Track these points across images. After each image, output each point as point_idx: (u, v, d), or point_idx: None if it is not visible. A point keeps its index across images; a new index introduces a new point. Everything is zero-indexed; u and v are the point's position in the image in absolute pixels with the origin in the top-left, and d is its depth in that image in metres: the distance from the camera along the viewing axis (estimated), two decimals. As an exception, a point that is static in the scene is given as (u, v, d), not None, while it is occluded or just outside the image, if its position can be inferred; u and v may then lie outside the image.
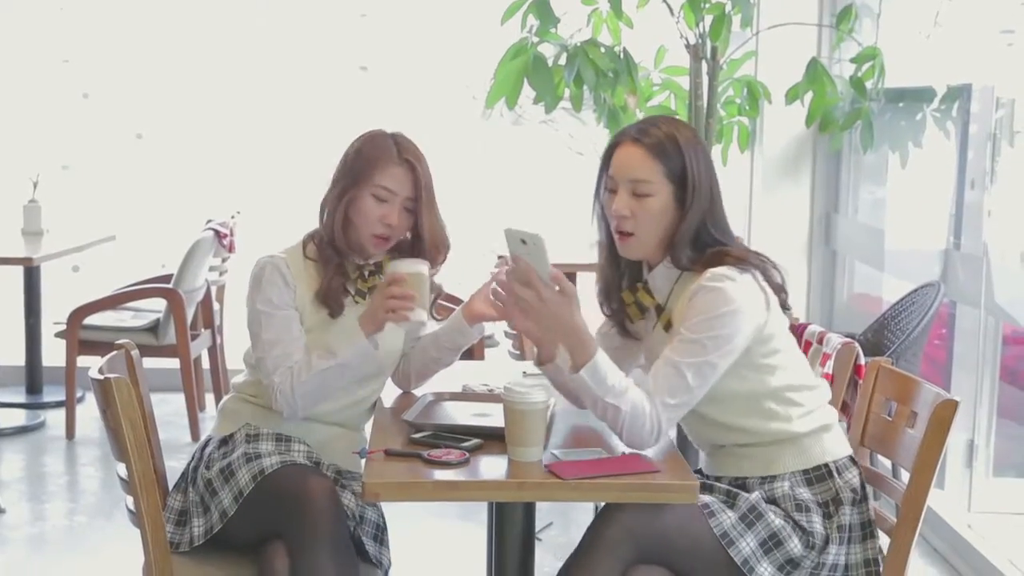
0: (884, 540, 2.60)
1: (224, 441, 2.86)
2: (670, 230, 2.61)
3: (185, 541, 2.76)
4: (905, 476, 2.59)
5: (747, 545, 2.50)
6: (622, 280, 2.75)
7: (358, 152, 2.85)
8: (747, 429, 2.63)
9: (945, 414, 2.49)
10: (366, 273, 2.87)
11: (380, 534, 2.81)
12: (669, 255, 2.63)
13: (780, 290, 2.63)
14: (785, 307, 2.65)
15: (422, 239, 2.85)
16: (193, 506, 2.79)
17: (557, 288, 2.45)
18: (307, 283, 2.83)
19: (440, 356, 2.96)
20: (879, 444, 2.77)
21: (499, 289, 2.55)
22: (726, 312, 2.49)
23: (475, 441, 2.51)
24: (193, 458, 2.89)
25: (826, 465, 2.62)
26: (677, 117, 2.73)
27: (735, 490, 2.60)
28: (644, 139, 2.60)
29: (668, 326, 2.64)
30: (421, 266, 2.70)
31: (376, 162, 2.80)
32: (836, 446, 2.66)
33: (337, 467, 2.88)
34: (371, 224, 2.80)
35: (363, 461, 2.52)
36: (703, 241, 2.61)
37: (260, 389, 2.86)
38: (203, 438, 2.95)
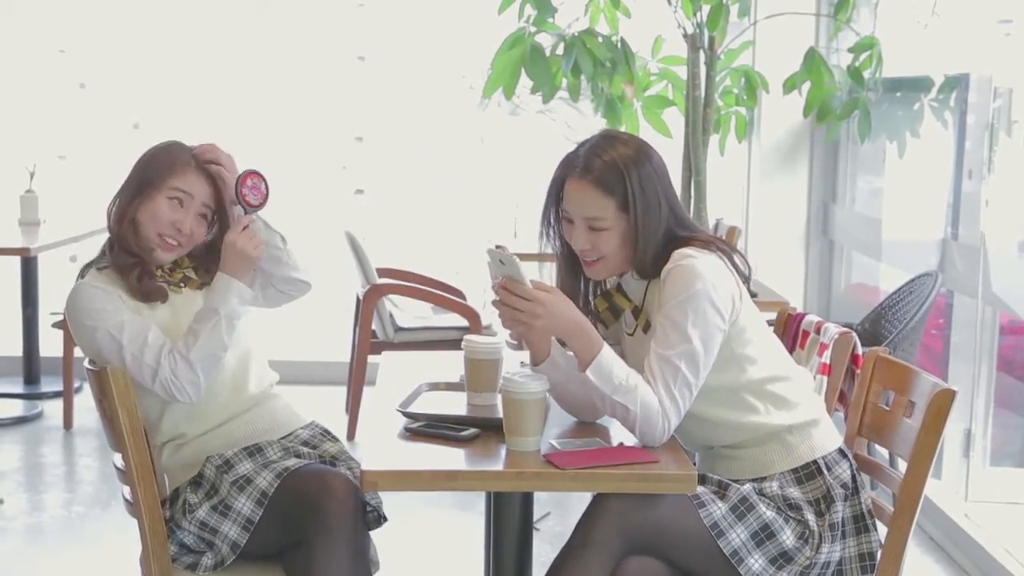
0: (883, 533, 2.60)
1: (196, 483, 2.72)
2: (634, 247, 2.61)
3: (201, 565, 2.62)
4: (902, 466, 2.58)
5: (737, 536, 2.49)
6: (586, 288, 2.75)
7: (152, 158, 2.84)
8: (729, 424, 2.63)
9: (942, 403, 2.49)
10: (167, 269, 2.84)
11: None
12: (635, 268, 2.64)
13: (745, 280, 2.64)
14: (751, 295, 2.67)
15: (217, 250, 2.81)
16: (194, 541, 2.66)
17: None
18: (119, 289, 2.78)
19: None
20: (876, 434, 2.77)
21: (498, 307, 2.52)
22: (697, 291, 2.48)
23: (473, 430, 2.51)
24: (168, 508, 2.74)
25: (815, 462, 2.61)
26: (617, 132, 2.71)
27: (727, 481, 2.59)
28: (589, 175, 2.58)
29: (647, 327, 2.64)
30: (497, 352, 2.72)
31: (173, 166, 2.80)
32: (825, 440, 2.64)
33: (300, 437, 2.83)
34: (160, 225, 2.77)
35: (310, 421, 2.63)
36: (667, 242, 2.61)
37: (179, 425, 2.76)
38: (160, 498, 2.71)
